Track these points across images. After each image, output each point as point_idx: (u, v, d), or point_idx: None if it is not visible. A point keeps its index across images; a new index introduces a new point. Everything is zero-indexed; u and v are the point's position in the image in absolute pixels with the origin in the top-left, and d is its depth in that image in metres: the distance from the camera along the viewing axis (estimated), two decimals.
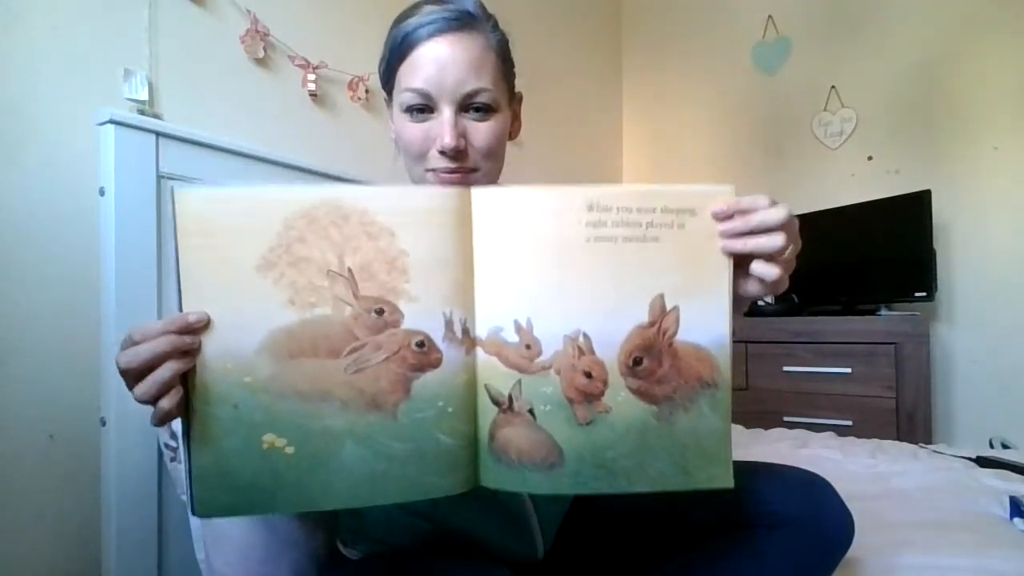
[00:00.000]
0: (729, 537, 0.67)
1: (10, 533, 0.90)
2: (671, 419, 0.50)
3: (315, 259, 0.47)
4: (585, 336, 0.49)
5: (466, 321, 0.49)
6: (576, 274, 0.49)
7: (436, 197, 0.49)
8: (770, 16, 2.45)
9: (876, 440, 1.58)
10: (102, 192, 0.96)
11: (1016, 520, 0.99)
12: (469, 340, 0.49)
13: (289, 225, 0.46)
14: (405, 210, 0.48)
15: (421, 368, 0.48)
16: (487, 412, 0.50)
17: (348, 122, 1.48)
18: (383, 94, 0.72)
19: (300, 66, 1.36)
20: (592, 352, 0.50)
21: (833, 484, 0.68)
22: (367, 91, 1.48)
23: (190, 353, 0.45)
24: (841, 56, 2.30)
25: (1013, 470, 1.25)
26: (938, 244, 1.95)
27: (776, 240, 0.48)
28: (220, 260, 0.46)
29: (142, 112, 1.05)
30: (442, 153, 0.64)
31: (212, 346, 0.46)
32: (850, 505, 0.67)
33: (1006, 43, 2.00)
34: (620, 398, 0.50)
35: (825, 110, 2.33)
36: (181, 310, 0.45)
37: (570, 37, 2.51)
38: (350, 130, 1.48)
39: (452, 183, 0.66)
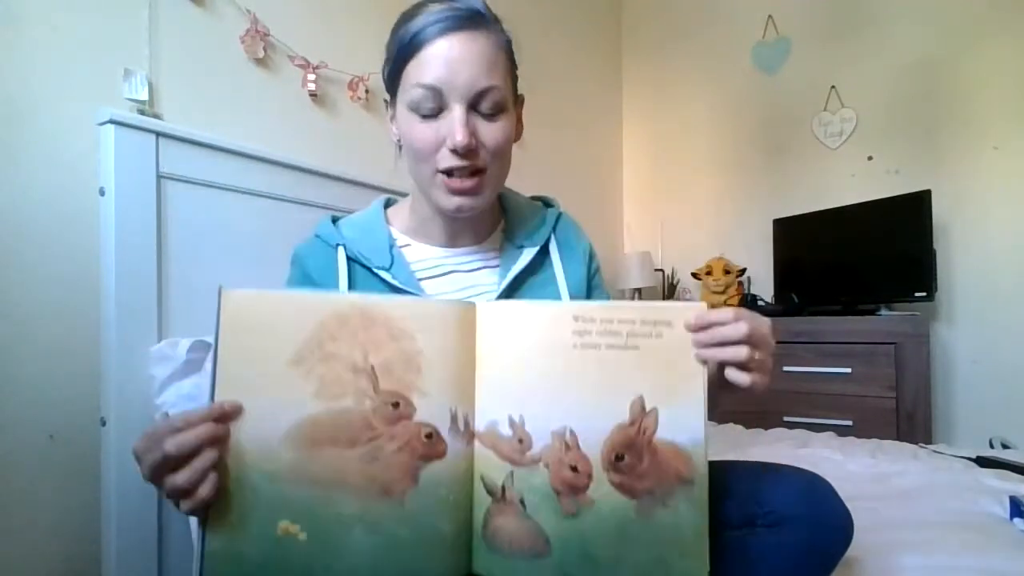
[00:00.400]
0: (729, 536, 0.67)
1: (10, 533, 0.90)
2: (651, 513, 0.53)
3: (343, 356, 0.51)
4: (572, 432, 0.54)
5: (468, 416, 0.54)
6: (564, 376, 0.55)
7: (449, 308, 0.56)
8: (770, 16, 2.45)
9: (876, 440, 1.58)
10: (102, 192, 0.96)
11: (1016, 520, 0.99)
12: (469, 433, 0.54)
13: (323, 325, 0.51)
14: (424, 316, 0.54)
15: (428, 458, 0.52)
16: (482, 502, 0.54)
17: (348, 122, 1.48)
18: (385, 96, 0.71)
19: (300, 66, 1.36)
20: (578, 447, 0.54)
21: (833, 484, 0.68)
22: (367, 91, 1.48)
23: (223, 441, 0.47)
24: (841, 56, 2.30)
25: (1013, 470, 1.25)
26: (938, 244, 1.95)
27: (740, 352, 0.53)
28: (257, 354, 0.49)
29: (142, 112, 1.05)
30: (453, 151, 0.63)
31: (239, 433, 0.48)
32: (850, 505, 0.67)
33: (1006, 44, 2.00)
34: (604, 491, 0.53)
35: (825, 110, 2.33)
36: (213, 398, 0.48)
37: (570, 37, 2.51)
38: (350, 130, 1.48)
39: (463, 191, 0.65)
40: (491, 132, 0.65)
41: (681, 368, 0.55)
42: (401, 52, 0.65)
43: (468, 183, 0.65)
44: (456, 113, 0.63)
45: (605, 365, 0.55)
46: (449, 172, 0.65)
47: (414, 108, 0.64)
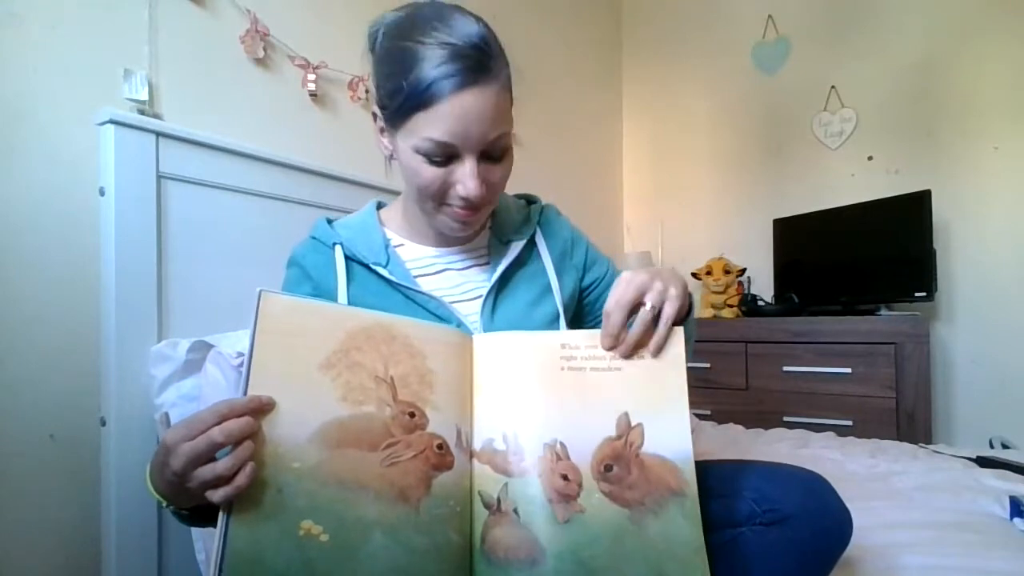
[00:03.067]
0: (728, 535, 0.67)
1: (10, 533, 0.90)
2: (643, 523, 0.55)
3: (367, 366, 0.55)
4: (562, 444, 0.57)
5: (468, 435, 0.58)
6: (553, 394, 0.59)
7: (451, 334, 0.62)
8: (770, 16, 2.45)
9: (876, 440, 1.58)
10: (102, 192, 0.96)
11: (1016, 520, 0.99)
12: (469, 451, 0.58)
13: (351, 335, 0.55)
14: (435, 340, 0.60)
15: (439, 468, 0.55)
16: (480, 516, 0.56)
17: (348, 122, 1.48)
18: (379, 113, 0.69)
19: (300, 66, 1.36)
20: (568, 458, 0.57)
21: (833, 484, 0.68)
22: (367, 91, 1.48)
23: (256, 434, 0.48)
24: (841, 56, 2.30)
25: (1013, 470, 1.25)
26: (938, 244, 1.95)
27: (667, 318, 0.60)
28: (290, 356, 0.52)
29: (142, 112, 1.05)
30: (463, 199, 0.65)
31: (270, 430, 0.50)
32: (850, 505, 0.67)
33: (1006, 43, 2.00)
34: (594, 500, 0.56)
35: (825, 110, 2.33)
36: (245, 394, 0.49)
37: (570, 37, 2.51)
38: (350, 130, 1.48)
39: (466, 220, 0.68)
40: (497, 174, 0.67)
41: (664, 387, 0.59)
42: (410, 99, 0.61)
43: (473, 212, 0.68)
44: (468, 166, 0.63)
45: (590, 385, 0.59)
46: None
47: (423, 152, 0.63)
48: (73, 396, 0.96)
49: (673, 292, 0.60)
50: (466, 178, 0.63)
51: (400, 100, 0.62)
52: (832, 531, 0.66)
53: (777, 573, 0.64)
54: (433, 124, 0.61)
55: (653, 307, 0.59)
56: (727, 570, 0.66)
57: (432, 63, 0.60)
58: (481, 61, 0.61)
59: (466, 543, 0.55)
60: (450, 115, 0.61)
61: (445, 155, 0.63)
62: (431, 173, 0.64)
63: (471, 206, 0.66)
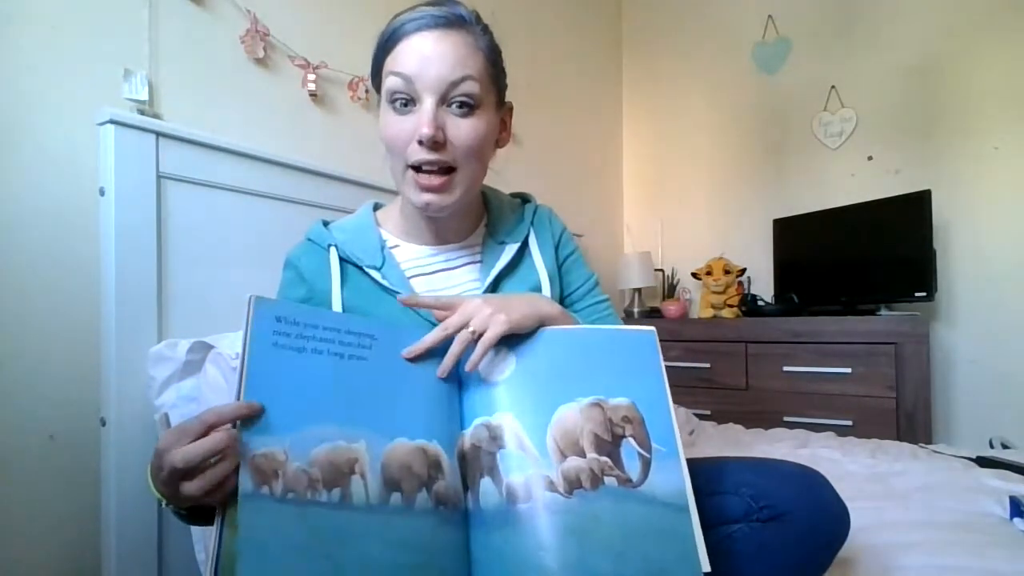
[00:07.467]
0: (725, 532, 0.67)
1: (10, 533, 0.90)
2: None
3: None
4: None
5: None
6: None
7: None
8: (770, 16, 2.45)
9: (876, 440, 1.58)
10: (102, 192, 0.96)
11: (1016, 520, 0.99)
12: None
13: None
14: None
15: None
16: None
17: (348, 122, 1.48)
18: (376, 95, 0.73)
19: (300, 66, 1.36)
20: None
21: (833, 484, 0.69)
22: (367, 91, 1.48)
23: (235, 447, 0.48)
24: (841, 56, 2.30)
25: (1013, 470, 1.25)
26: (938, 244, 1.95)
27: (462, 340, 0.60)
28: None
29: (142, 112, 1.05)
30: (420, 143, 0.64)
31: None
32: (850, 505, 0.67)
33: (1006, 43, 2.00)
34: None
35: (825, 110, 2.33)
36: (239, 399, 0.49)
37: (570, 37, 2.51)
38: (350, 130, 1.48)
39: (430, 187, 0.66)
40: (462, 129, 0.65)
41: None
42: (381, 47, 0.67)
43: (436, 180, 0.66)
44: (426, 106, 0.64)
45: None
46: (419, 168, 0.66)
47: (389, 99, 0.66)
48: (73, 396, 0.96)
49: (502, 318, 0.60)
50: (422, 118, 0.64)
51: (376, 52, 0.68)
52: (830, 527, 0.66)
53: (775, 570, 0.64)
54: (396, 60, 0.65)
55: (474, 331, 0.59)
56: (726, 569, 0.66)
57: (406, 15, 0.66)
58: (452, 17, 0.65)
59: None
60: (410, 49, 0.64)
61: (406, 95, 0.65)
62: (395, 122, 0.66)
63: (432, 164, 0.65)
